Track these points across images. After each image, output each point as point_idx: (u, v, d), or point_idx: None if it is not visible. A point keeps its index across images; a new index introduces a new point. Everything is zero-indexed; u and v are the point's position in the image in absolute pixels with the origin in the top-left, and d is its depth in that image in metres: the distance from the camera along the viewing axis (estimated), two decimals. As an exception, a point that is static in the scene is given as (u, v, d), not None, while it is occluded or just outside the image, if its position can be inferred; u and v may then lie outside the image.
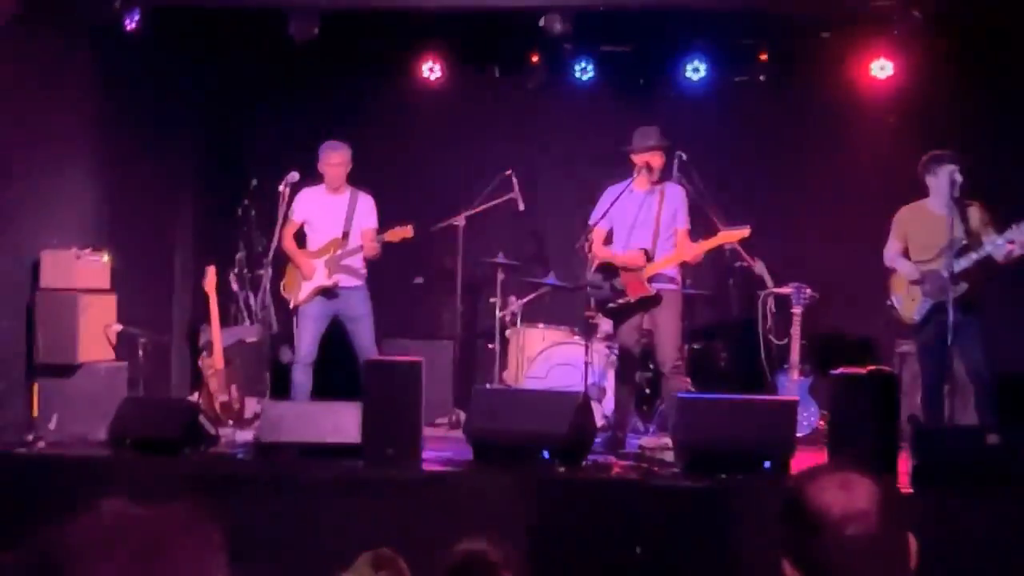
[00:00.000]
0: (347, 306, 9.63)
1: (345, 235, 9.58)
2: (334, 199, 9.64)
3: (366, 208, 9.66)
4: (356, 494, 7.87)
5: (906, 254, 8.82)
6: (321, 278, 9.56)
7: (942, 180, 8.57)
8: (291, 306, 9.71)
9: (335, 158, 9.56)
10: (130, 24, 9.65)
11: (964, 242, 8.45)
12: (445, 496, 7.82)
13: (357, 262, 9.60)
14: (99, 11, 9.68)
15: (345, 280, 9.59)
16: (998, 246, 8.34)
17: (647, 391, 10.14)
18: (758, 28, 10.89)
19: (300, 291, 9.62)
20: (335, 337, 9.70)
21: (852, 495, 2.82)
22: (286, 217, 9.55)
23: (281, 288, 9.80)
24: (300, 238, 9.77)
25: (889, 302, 9.02)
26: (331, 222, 9.62)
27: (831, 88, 11.08)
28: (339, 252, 9.56)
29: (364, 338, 9.60)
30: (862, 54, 10.73)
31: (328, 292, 9.57)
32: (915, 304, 8.74)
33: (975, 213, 8.56)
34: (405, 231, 9.46)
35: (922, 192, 8.82)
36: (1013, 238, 8.28)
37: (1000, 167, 10.07)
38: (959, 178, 8.48)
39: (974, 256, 8.40)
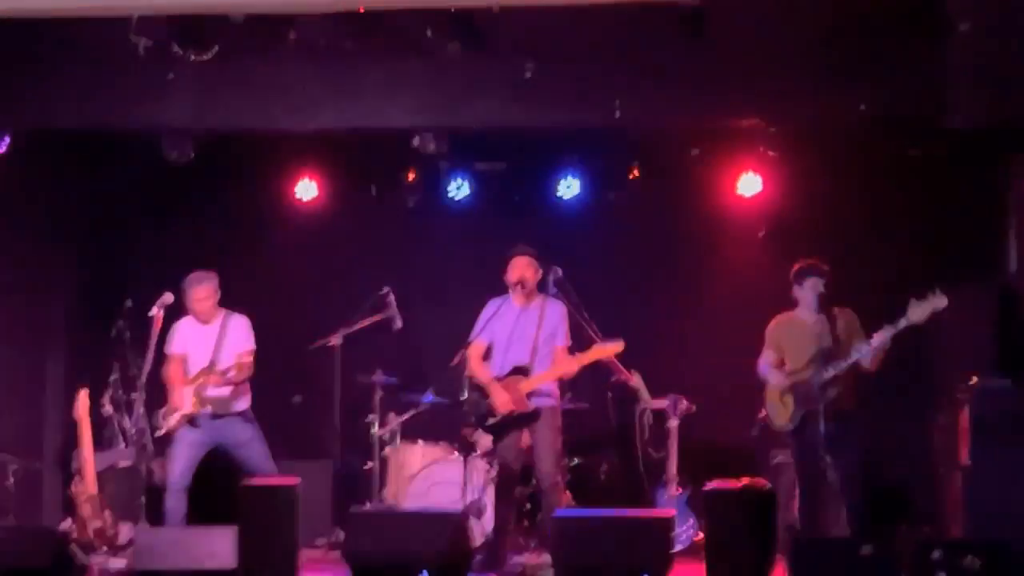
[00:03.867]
0: (228, 433, 9.42)
1: (211, 364, 9.43)
2: (204, 329, 9.50)
3: (239, 332, 9.52)
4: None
5: (782, 364, 8.90)
6: (187, 406, 9.38)
7: (807, 292, 8.75)
8: (162, 433, 9.50)
9: (200, 293, 9.42)
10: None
11: (831, 350, 8.56)
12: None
13: (226, 390, 9.44)
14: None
15: (218, 408, 9.41)
16: (863, 353, 8.46)
17: (527, 507, 10.11)
18: (629, 145, 11.08)
19: (171, 418, 9.45)
20: (211, 462, 9.52)
21: None
22: (159, 347, 9.41)
23: (160, 416, 9.62)
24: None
25: (763, 412, 9.14)
26: (201, 352, 9.46)
27: (702, 202, 11.31)
28: (205, 381, 9.40)
29: (256, 460, 9.36)
30: (731, 168, 10.95)
31: (193, 421, 9.38)
32: (788, 412, 8.81)
33: (844, 320, 8.67)
34: (246, 355, 9.37)
35: (793, 302, 8.98)
36: (876, 344, 8.39)
37: (869, 272, 10.34)
38: (822, 289, 8.66)
39: (842, 364, 8.52)
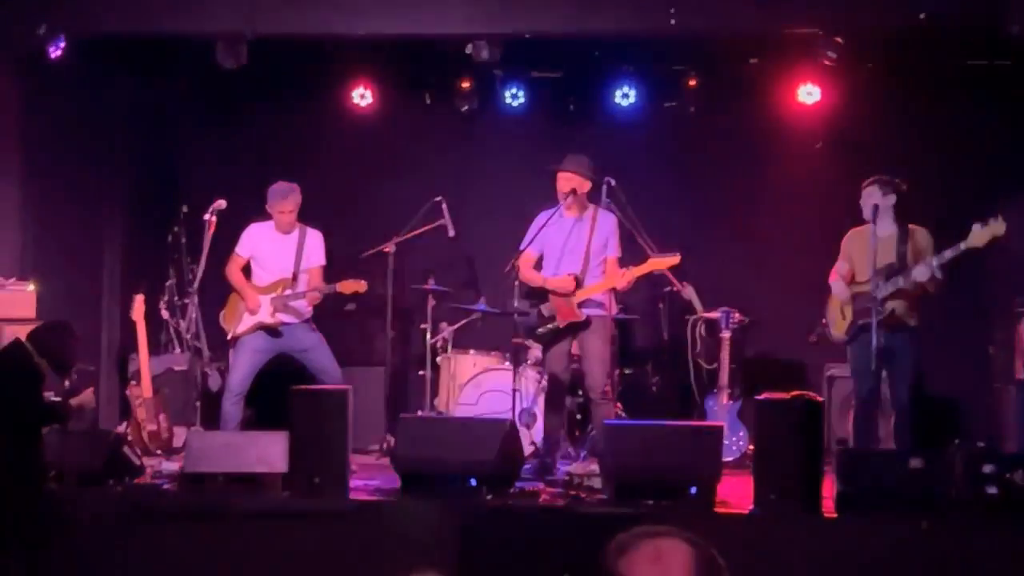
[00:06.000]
0: (293, 340, 9.54)
1: (294, 276, 9.50)
2: (283, 238, 9.55)
3: (315, 247, 9.60)
4: (282, 524, 7.83)
5: (852, 275, 8.81)
6: (265, 315, 9.46)
7: (865, 202, 8.68)
8: (229, 337, 9.60)
9: (286, 206, 9.47)
10: (55, 52, 9.56)
11: (894, 266, 8.51)
12: (372, 526, 7.80)
13: (301, 304, 9.53)
14: (23, 39, 9.61)
15: (288, 318, 9.51)
16: (921, 274, 8.38)
17: (577, 417, 10.15)
18: (686, 54, 10.95)
19: (240, 323, 9.52)
20: (270, 370, 9.60)
21: (664, 567, 2.69)
22: (212, 252, 9.46)
23: (220, 318, 9.69)
24: (246, 271, 9.67)
25: (824, 320, 9.10)
26: (280, 262, 9.54)
27: (759, 114, 11.18)
28: (286, 292, 9.47)
29: (323, 363, 9.48)
30: (789, 79, 10.81)
31: (269, 330, 9.48)
32: (845, 323, 8.79)
33: (919, 238, 8.60)
34: (358, 285, 9.43)
35: (856, 215, 8.86)
36: (935, 264, 8.32)
37: (931, 186, 10.20)
38: (880, 201, 8.58)
39: (900, 280, 8.46)
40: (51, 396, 8.03)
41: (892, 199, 8.61)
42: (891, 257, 8.53)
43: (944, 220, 8.78)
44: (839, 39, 9.69)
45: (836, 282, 8.84)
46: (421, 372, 10.70)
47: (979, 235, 8.10)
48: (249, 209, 9.70)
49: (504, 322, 9.84)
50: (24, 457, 7.53)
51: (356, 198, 11.56)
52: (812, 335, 9.39)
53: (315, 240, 9.61)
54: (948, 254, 8.26)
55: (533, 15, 9.52)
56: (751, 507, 7.75)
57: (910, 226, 8.60)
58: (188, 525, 7.87)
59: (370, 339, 11.31)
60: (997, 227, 8.05)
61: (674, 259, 9.08)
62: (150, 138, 11.72)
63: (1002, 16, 8.44)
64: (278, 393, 8.46)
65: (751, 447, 9.55)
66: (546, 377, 9.59)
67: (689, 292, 10.16)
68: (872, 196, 8.63)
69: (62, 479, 8.06)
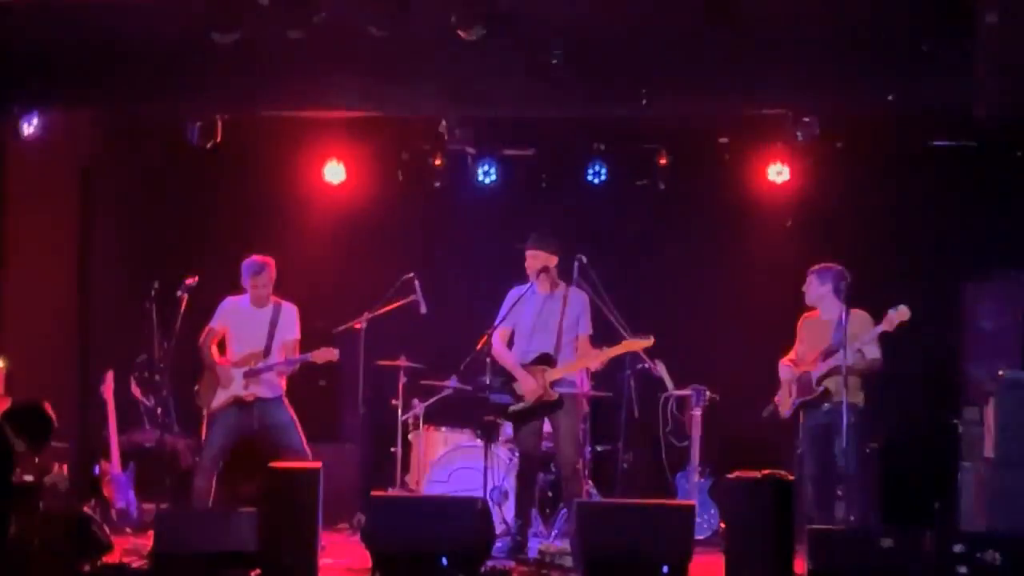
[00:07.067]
0: (265, 416, 9.45)
1: (267, 349, 9.49)
2: (258, 312, 9.53)
3: (288, 320, 9.57)
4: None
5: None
6: (238, 388, 9.42)
7: (808, 292, 9.29)
8: (205, 412, 9.55)
9: (260, 280, 9.46)
10: (27, 128, 9.60)
11: (831, 348, 8.95)
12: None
13: (274, 378, 9.51)
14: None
15: (262, 392, 9.46)
16: (851, 354, 8.78)
17: (549, 494, 10.12)
18: (657, 133, 11.05)
19: (215, 398, 9.49)
20: (241, 448, 9.57)
21: None
22: (190, 327, 9.44)
23: (195, 394, 9.63)
24: (220, 345, 9.65)
25: (776, 398, 9.40)
26: (253, 335, 9.51)
27: (730, 192, 11.30)
28: (259, 366, 9.45)
29: (292, 442, 9.36)
30: (759, 158, 10.94)
31: (242, 404, 9.44)
32: (789, 401, 9.25)
33: (855, 321, 8.91)
34: (331, 353, 9.41)
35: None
36: (857, 347, 8.86)
37: (895, 264, 10.34)
38: (818, 291, 9.19)
39: (832, 362, 8.90)
40: (21, 475, 7.97)
41: (829, 287, 9.13)
42: (828, 340, 8.98)
43: (910, 300, 8.89)
44: (807, 119, 9.84)
45: (783, 365, 9.34)
46: (392, 449, 10.65)
47: (889, 320, 8.73)
48: (221, 286, 9.69)
49: (475, 399, 9.83)
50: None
51: (328, 274, 11.56)
52: (764, 412, 9.53)
53: (290, 314, 9.60)
54: (866, 338, 8.87)
55: (506, 96, 9.60)
56: (723, 587, 7.77)
57: (852, 310, 8.92)
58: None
59: (341, 415, 11.28)
60: (902, 313, 8.68)
61: (647, 342, 9.16)
62: (122, 213, 11.71)
63: (970, 99, 8.56)
64: (250, 471, 8.44)
65: (723, 525, 9.53)
66: (517, 454, 9.59)
67: (660, 370, 10.18)
68: (811, 285, 9.26)
69: (29, 559, 7.98)
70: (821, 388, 9.00)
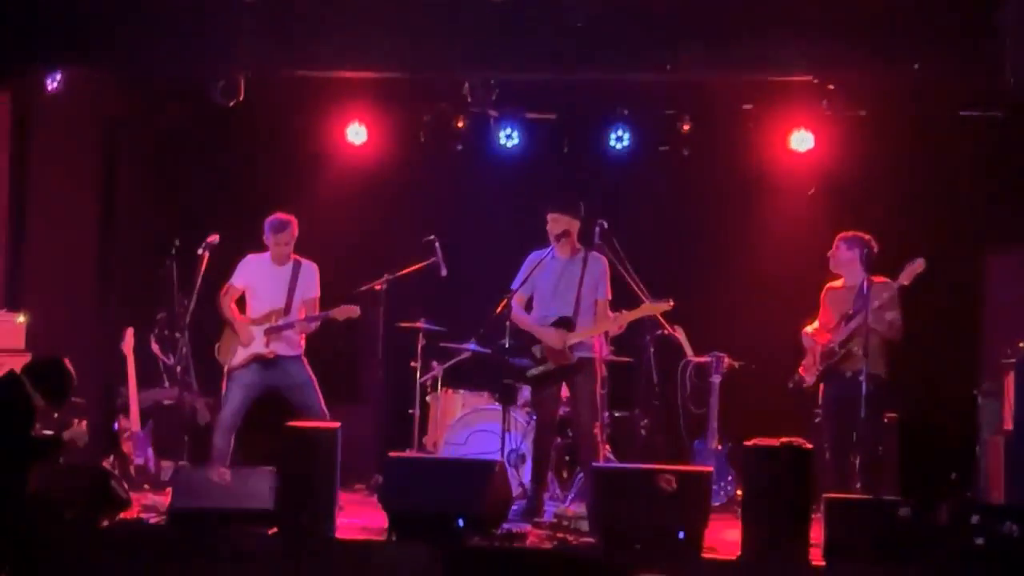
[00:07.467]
0: (285, 375, 9.51)
1: (287, 306, 9.50)
2: (279, 270, 9.55)
3: (309, 278, 9.59)
4: (268, 561, 7.82)
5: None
6: (259, 346, 9.45)
7: (834, 258, 9.34)
8: (225, 369, 9.57)
9: (283, 238, 9.48)
10: (51, 84, 9.60)
11: (851, 313, 9.01)
12: (358, 565, 7.80)
13: (295, 336, 9.53)
14: (21, 68, 9.66)
15: (282, 350, 9.49)
16: (873, 318, 8.84)
17: (566, 458, 10.14)
18: (681, 99, 10.99)
19: (236, 356, 9.50)
20: (260, 406, 9.59)
21: None
22: (204, 287, 9.46)
23: (216, 351, 9.66)
24: (240, 303, 9.67)
25: (800, 368, 9.45)
26: (273, 292, 9.53)
27: (753, 158, 11.23)
28: (279, 322, 9.47)
29: (310, 401, 9.44)
30: (783, 125, 10.86)
31: (264, 361, 9.46)
32: (815, 369, 9.30)
33: (877, 287, 8.92)
34: (351, 310, 9.43)
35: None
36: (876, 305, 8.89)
37: (920, 234, 10.29)
38: (845, 256, 9.22)
39: (852, 326, 8.97)
40: (41, 430, 8.01)
41: (856, 254, 9.13)
42: (850, 306, 9.04)
43: (931, 270, 8.88)
44: (832, 86, 9.78)
45: (806, 334, 9.45)
46: (410, 411, 10.69)
47: (906, 274, 8.80)
48: (242, 244, 9.71)
49: (494, 362, 9.83)
50: (11, 492, 7.50)
51: (349, 235, 11.54)
52: (789, 382, 9.54)
53: (310, 272, 9.62)
54: (885, 295, 8.90)
55: (529, 58, 9.56)
56: (739, 553, 7.77)
57: (873, 277, 8.95)
58: (175, 560, 7.85)
59: (360, 376, 11.29)
60: (918, 265, 8.76)
61: (667, 305, 9.17)
62: (144, 171, 11.72)
63: (997, 67, 8.51)
64: (268, 429, 8.46)
65: (739, 492, 9.54)
66: (535, 418, 9.60)
67: (680, 336, 10.18)
68: (839, 250, 9.30)
69: (49, 513, 8.03)
70: (843, 351, 9.02)
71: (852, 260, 9.16)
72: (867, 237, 9.16)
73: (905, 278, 8.80)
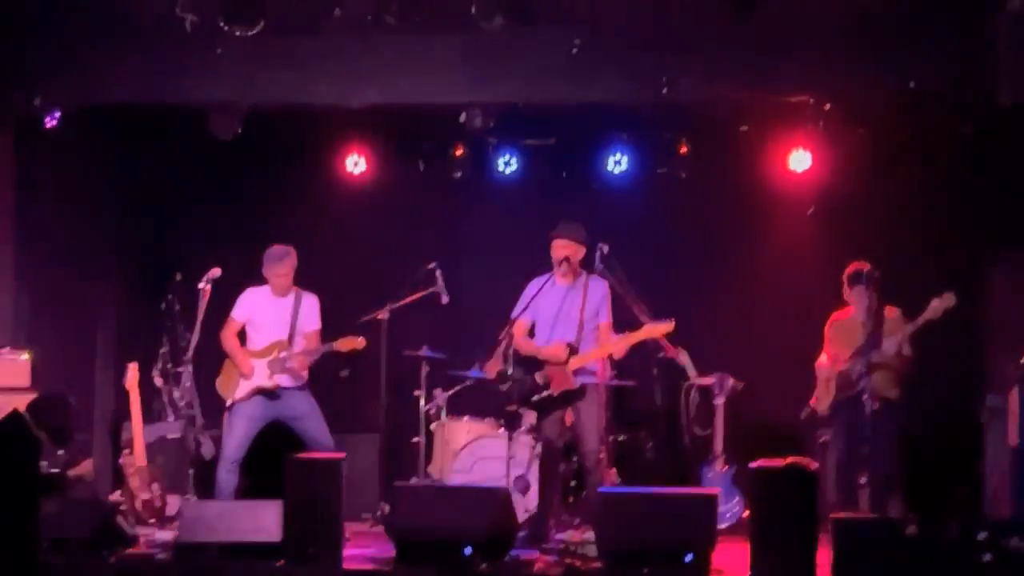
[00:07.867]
0: (288, 406, 9.52)
1: (290, 338, 9.51)
2: (279, 302, 9.57)
3: (310, 311, 9.62)
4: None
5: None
6: (262, 379, 9.46)
7: (856, 296, 9.38)
8: (228, 404, 9.58)
9: (282, 269, 9.50)
10: (50, 122, 9.64)
11: (870, 344, 9.12)
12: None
13: (298, 367, 9.51)
14: (18, 107, 9.69)
15: (286, 382, 9.50)
16: (890, 346, 9.04)
17: (572, 483, 10.13)
18: (678, 122, 11.03)
19: (238, 389, 9.52)
20: (263, 438, 9.59)
21: None
22: (207, 320, 9.47)
23: (217, 385, 9.66)
24: (241, 336, 9.68)
25: (812, 400, 9.63)
26: (275, 324, 9.55)
27: (751, 179, 11.25)
28: (282, 355, 9.48)
29: (315, 432, 9.45)
30: (780, 146, 10.87)
31: (267, 393, 9.47)
32: (829, 398, 9.42)
33: (890, 319, 9.12)
34: (356, 342, 9.45)
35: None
36: (899, 338, 9.05)
37: (919, 251, 10.33)
38: (868, 295, 9.22)
39: (874, 355, 9.07)
40: (46, 467, 8.01)
41: (862, 287, 9.23)
42: (863, 337, 9.16)
43: (932, 287, 8.91)
44: (828, 106, 9.81)
45: (819, 365, 9.62)
46: (415, 439, 10.68)
47: (934, 309, 8.87)
48: (243, 277, 9.72)
49: (497, 389, 9.82)
50: (19, 530, 7.49)
51: (350, 265, 11.58)
52: (802, 413, 9.60)
53: (311, 303, 9.64)
54: (909, 328, 9.02)
55: (526, 84, 9.59)
56: (748, 575, 7.75)
57: (884, 308, 9.13)
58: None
59: (364, 406, 11.25)
60: (948, 300, 8.82)
61: (668, 326, 9.13)
62: (144, 206, 11.75)
63: (993, 84, 8.53)
64: (272, 461, 8.46)
65: (746, 513, 9.52)
66: (540, 444, 9.60)
67: (683, 358, 10.17)
68: (862, 294, 9.30)
69: (57, 550, 8.02)
70: (865, 383, 9.04)
71: (860, 292, 9.26)
72: (867, 269, 9.26)
73: (932, 313, 8.87)
